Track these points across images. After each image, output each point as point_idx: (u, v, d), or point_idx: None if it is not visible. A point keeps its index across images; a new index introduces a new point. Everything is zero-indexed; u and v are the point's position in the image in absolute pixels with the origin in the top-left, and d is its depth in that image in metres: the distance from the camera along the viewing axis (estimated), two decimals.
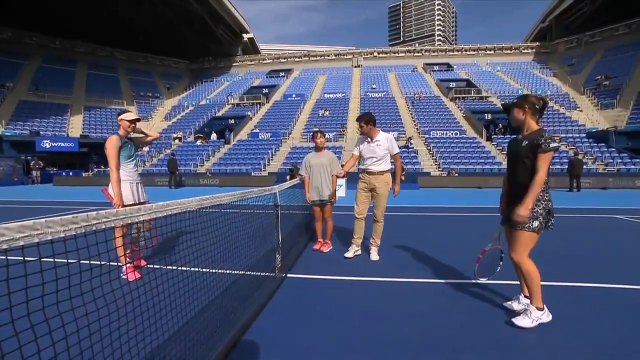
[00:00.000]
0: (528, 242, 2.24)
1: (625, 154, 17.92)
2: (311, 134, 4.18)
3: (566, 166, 14.53)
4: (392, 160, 3.98)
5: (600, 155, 18.28)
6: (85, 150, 24.00)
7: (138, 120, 3.44)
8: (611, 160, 17.61)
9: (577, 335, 2.15)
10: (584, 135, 20.94)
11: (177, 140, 24.46)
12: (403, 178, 4.10)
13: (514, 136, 2.44)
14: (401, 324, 2.34)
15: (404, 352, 1.99)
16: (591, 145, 19.33)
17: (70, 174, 21.88)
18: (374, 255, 3.92)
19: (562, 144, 19.99)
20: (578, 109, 25.24)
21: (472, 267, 3.59)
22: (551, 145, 2.14)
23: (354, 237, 4.02)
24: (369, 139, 3.84)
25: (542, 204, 2.21)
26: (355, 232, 4.00)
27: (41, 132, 23.90)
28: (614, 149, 18.55)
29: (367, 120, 3.76)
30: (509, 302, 2.58)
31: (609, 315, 2.43)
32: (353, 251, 4.01)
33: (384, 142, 3.79)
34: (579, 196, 11.66)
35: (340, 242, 4.67)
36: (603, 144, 19.15)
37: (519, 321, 2.26)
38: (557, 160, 17.67)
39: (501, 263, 2.86)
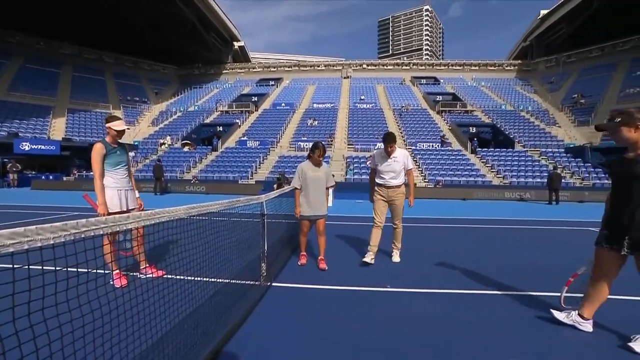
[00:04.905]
0: None
1: (600, 169, 18.71)
2: (311, 146, 4.04)
3: (546, 180, 15.11)
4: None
5: (577, 169, 19.03)
6: (67, 154, 23.31)
7: (126, 129, 3.50)
8: (587, 175, 18.35)
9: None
10: (563, 150, 21.81)
11: (163, 146, 24.11)
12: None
13: (614, 157, 2.30)
14: (385, 333, 2.38)
15: None
16: (569, 160, 20.11)
17: (50, 177, 21.17)
18: (396, 257, 4.33)
19: (542, 158, 20.76)
20: (557, 125, 26.35)
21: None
22: None
23: (370, 244, 4.19)
24: (388, 155, 4.10)
25: None
26: (372, 240, 4.20)
27: (20, 134, 23.10)
28: (589, 164, 19.35)
29: (394, 141, 4.06)
30: (559, 313, 2.52)
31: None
32: (370, 257, 4.13)
33: (401, 159, 4.11)
34: (557, 209, 12.10)
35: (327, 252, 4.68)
36: (580, 159, 19.97)
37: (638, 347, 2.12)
38: (538, 174, 18.34)
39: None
